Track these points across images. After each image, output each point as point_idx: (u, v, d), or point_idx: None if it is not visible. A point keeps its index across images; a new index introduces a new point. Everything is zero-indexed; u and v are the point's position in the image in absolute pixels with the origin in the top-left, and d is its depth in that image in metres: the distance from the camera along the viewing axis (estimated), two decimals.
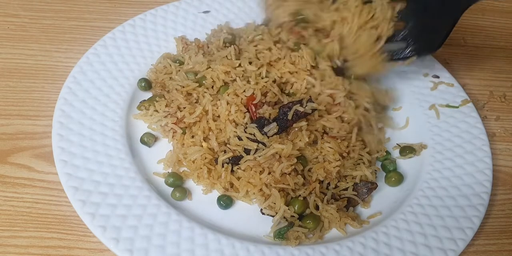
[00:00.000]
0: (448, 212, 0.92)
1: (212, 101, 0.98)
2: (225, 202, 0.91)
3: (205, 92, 0.99)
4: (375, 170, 0.99)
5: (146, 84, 1.05)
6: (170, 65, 1.08)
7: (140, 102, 1.03)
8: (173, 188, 0.92)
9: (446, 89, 1.15)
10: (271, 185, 0.90)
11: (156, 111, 1.00)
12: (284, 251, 0.84)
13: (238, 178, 0.93)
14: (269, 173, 0.90)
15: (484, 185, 0.97)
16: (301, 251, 0.84)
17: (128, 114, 1.01)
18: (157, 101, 1.01)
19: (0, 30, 1.17)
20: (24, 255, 0.83)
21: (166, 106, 1.00)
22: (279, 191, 0.89)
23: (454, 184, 0.97)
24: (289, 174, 0.90)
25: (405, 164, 1.04)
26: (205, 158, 0.94)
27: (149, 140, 0.98)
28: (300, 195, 0.91)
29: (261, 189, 0.91)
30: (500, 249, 0.95)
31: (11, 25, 1.19)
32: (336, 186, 0.94)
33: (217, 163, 0.94)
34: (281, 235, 0.86)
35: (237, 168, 0.93)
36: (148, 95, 1.06)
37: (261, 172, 0.91)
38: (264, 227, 0.89)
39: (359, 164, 0.98)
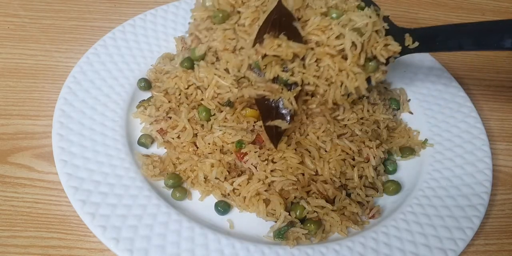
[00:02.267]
0: (448, 212, 0.92)
1: (191, 115, 0.97)
2: (223, 207, 0.90)
3: (185, 105, 0.97)
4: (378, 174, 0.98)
5: (146, 84, 1.05)
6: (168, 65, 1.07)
7: (140, 101, 1.03)
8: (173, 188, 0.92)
9: (446, 89, 1.15)
10: (269, 191, 0.90)
11: (149, 115, 1.00)
12: (284, 251, 0.84)
13: (235, 190, 0.92)
14: (268, 186, 0.90)
15: (484, 185, 0.97)
16: (301, 251, 0.84)
17: (128, 114, 1.01)
18: (149, 105, 1.01)
19: (0, 30, 1.17)
20: (24, 255, 0.83)
21: (158, 109, 0.99)
22: (279, 193, 0.89)
23: (454, 184, 0.97)
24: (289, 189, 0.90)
25: (405, 164, 1.04)
26: (194, 170, 0.93)
27: (146, 141, 0.97)
28: (301, 199, 0.90)
29: (258, 193, 0.90)
30: (500, 249, 0.95)
31: (11, 25, 1.19)
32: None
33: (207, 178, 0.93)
34: (281, 235, 0.86)
35: (232, 182, 0.91)
36: (148, 95, 1.06)
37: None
38: (264, 227, 0.89)
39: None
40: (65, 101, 0.97)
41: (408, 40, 0.89)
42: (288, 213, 0.88)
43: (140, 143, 0.98)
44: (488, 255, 0.94)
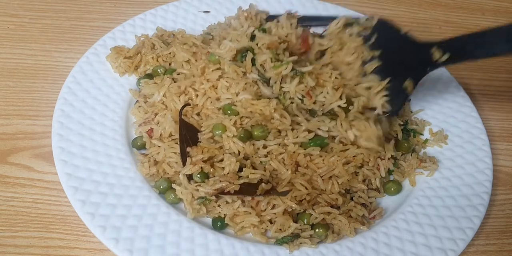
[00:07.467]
0: (448, 212, 0.92)
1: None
2: (221, 221, 0.87)
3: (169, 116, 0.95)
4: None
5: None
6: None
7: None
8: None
9: (446, 89, 1.15)
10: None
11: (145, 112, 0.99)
12: (284, 251, 0.84)
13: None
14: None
15: (484, 185, 0.97)
16: (301, 251, 0.84)
17: (128, 114, 1.01)
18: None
19: (0, 30, 1.17)
20: (24, 255, 0.83)
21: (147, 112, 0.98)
22: (282, 214, 0.86)
23: (454, 184, 0.97)
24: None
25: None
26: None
27: (143, 142, 0.95)
28: (306, 209, 0.88)
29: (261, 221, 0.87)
30: (500, 249, 0.95)
31: (11, 25, 1.18)
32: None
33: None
34: (283, 242, 0.85)
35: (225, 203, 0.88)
36: None
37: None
38: None
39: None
40: (65, 101, 0.97)
41: (436, 54, 0.86)
42: (297, 224, 0.86)
43: (136, 146, 0.96)
44: (488, 255, 0.94)
